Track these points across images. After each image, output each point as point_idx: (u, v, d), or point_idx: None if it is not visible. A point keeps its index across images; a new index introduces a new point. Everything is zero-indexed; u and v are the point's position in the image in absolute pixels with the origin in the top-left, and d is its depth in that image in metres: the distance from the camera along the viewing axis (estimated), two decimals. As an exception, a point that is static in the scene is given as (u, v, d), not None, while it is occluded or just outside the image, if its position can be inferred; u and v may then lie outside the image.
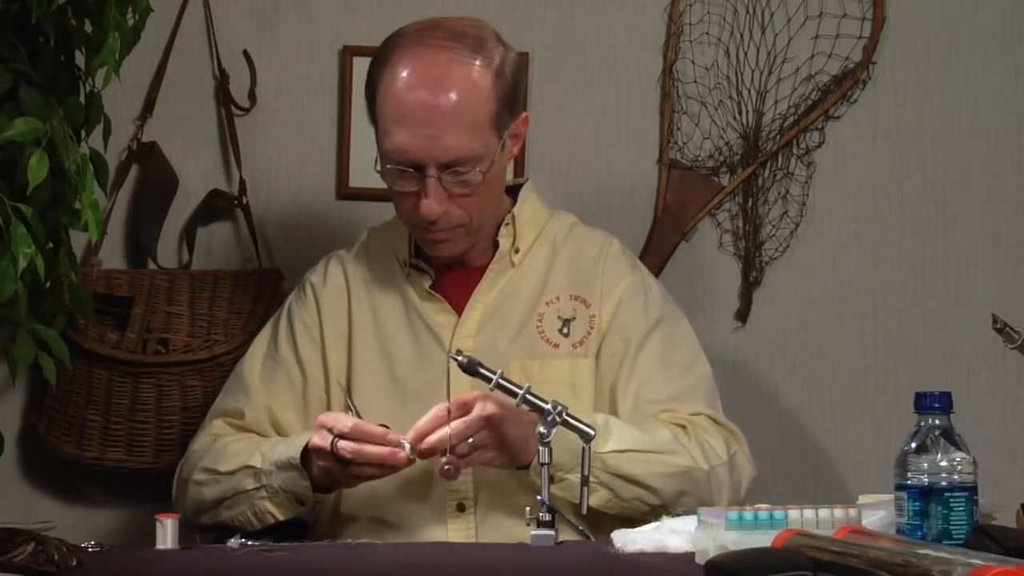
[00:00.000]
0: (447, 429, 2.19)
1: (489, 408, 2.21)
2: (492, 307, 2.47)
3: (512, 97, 2.41)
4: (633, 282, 2.51)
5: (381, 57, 2.41)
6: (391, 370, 2.46)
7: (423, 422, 2.22)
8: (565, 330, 2.46)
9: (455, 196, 2.37)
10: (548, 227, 2.54)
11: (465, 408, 2.21)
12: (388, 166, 2.38)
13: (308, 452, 2.29)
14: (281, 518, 2.35)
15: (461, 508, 2.38)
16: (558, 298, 2.48)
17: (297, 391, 2.49)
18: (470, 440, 2.20)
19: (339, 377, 2.47)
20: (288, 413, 2.47)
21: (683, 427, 2.37)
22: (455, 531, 2.36)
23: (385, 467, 2.24)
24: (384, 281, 2.50)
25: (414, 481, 2.37)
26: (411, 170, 2.36)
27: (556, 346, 2.45)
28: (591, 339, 2.46)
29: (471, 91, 2.36)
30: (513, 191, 2.55)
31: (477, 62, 2.37)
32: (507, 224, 2.48)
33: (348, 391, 2.37)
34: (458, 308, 2.47)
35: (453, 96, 2.34)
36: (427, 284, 2.47)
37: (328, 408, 2.46)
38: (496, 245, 2.49)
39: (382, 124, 2.38)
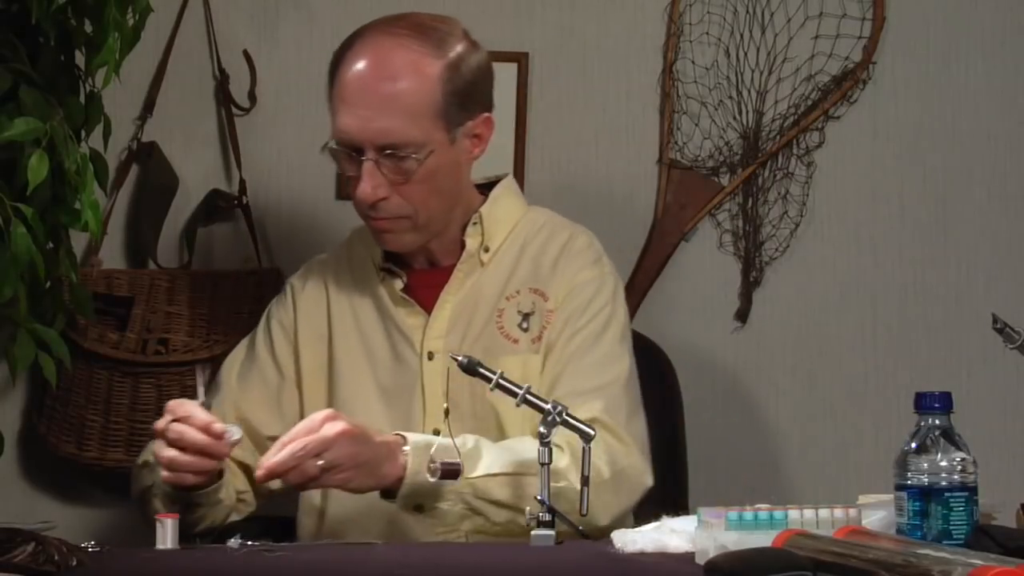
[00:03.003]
0: (287, 451, 2.12)
1: (337, 427, 2.14)
2: (460, 307, 2.44)
3: (466, 94, 2.38)
4: (589, 277, 2.46)
5: (343, 45, 2.42)
6: (373, 373, 2.45)
7: (271, 453, 2.15)
8: (524, 324, 2.43)
9: (394, 183, 2.35)
10: (521, 224, 2.50)
11: (314, 429, 2.15)
12: (333, 147, 2.39)
13: None
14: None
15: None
16: (518, 292, 2.44)
17: (271, 390, 2.48)
18: (320, 462, 2.13)
19: (316, 379, 2.46)
20: (261, 412, 2.46)
21: (560, 447, 2.26)
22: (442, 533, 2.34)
23: (207, 455, 2.18)
24: (362, 284, 2.49)
25: None
26: (354, 154, 2.36)
27: (516, 341, 2.42)
28: (546, 333, 2.42)
29: (413, 78, 2.35)
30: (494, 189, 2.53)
31: (426, 51, 2.36)
32: (474, 223, 2.46)
33: (206, 380, 2.29)
34: (429, 309, 2.44)
35: (393, 80, 2.34)
36: (399, 286, 2.45)
37: (301, 406, 2.46)
38: (464, 244, 2.46)
39: (332, 107, 2.39)
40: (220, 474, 2.29)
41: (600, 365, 2.41)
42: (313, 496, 2.43)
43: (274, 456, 2.13)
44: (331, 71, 2.41)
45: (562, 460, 2.24)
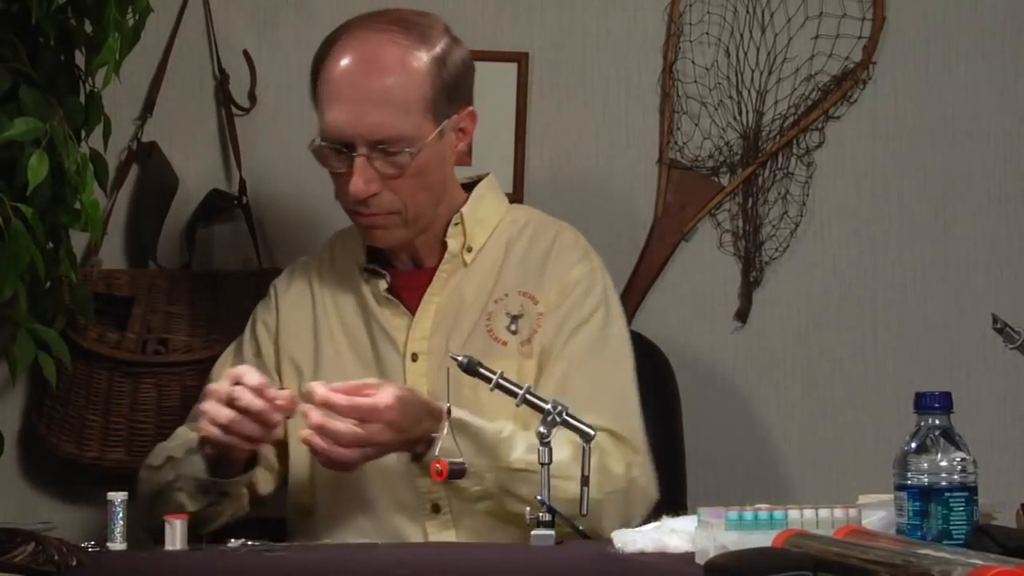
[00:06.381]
0: (345, 399, 2.17)
1: (390, 395, 2.19)
2: (444, 308, 2.43)
3: (453, 88, 2.39)
4: (579, 274, 2.45)
5: (326, 41, 2.43)
6: (358, 374, 2.42)
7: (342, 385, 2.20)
8: (513, 327, 2.42)
9: (386, 178, 2.35)
10: (504, 223, 2.50)
11: (365, 394, 2.19)
12: (322, 145, 2.38)
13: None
14: (191, 509, 2.25)
15: (436, 509, 2.35)
16: (507, 295, 2.43)
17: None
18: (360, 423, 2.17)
19: (299, 379, 2.44)
20: None
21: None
22: (434, 531, 2.34)
23: (262, 423, 2.20)
24: (345, 285, 2.49)
25: (388, 485, 2.35)
26: (344, 150, 2.36)
27: (505, 343, 2.40)
28: (537, 337, 2.41)
29: (403, 72, 2.35)
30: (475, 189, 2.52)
31: (414, 45, 2.37)
32: (456, 224, 2.45)
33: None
34: (413, 310, 2.44)
35: (384, 75, 2.35)
36: (383, 286, 2.45)
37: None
38: (446, 245, 2.46)
39: (319, 105, 2.40)
40: (254, 462, 2.30)
41: (610, 369, 2.40)
42: (301, 496, 2.42)
43: (333, 396, 2.16)
44: (315, 68, 2.42)
45: (564, 452, 2.21)
